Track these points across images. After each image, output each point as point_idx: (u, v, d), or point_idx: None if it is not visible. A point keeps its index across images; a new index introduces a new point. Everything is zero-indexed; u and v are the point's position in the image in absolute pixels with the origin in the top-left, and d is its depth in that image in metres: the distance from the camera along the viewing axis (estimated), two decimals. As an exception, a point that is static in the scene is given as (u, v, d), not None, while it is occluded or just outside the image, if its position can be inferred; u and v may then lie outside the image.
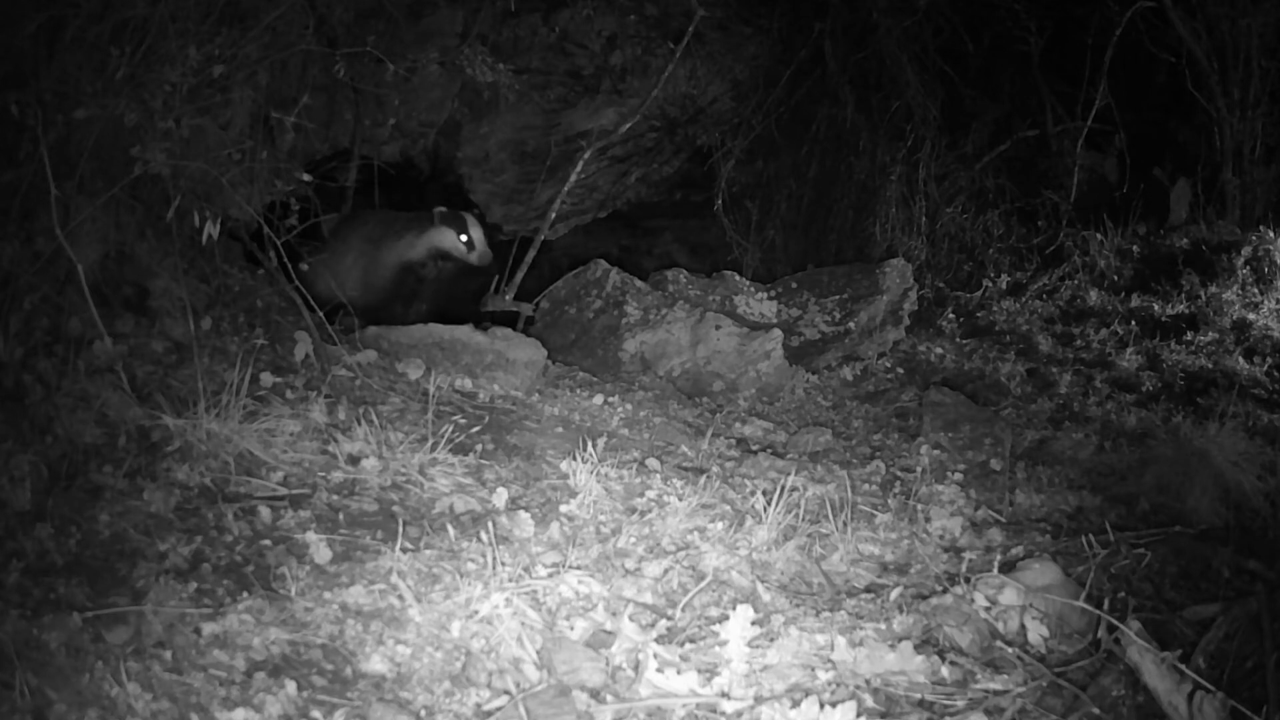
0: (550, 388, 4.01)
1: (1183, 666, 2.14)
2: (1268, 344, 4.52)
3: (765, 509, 2.86)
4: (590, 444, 3.21)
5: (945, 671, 2.20)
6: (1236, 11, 5.38)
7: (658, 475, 3.19)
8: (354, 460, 2.90)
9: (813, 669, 2.18)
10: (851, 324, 4.78)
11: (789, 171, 6.00)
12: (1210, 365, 4.39)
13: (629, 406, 3.91)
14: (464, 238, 4.55)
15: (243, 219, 3.57)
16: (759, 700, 2.05)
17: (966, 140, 5.85)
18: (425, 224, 4.59)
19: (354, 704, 1.94)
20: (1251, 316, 4.75)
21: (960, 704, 2.10)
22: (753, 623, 2.22)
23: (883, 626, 2.39)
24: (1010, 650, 2.30)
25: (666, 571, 2.57)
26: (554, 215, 5.16)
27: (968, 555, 2.77)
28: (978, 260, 5.77)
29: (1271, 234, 5.10)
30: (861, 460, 3.61)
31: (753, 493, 3.07)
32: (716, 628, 2.27)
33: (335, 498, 2.71)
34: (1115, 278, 5.38)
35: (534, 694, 2.02)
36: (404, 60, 4.24)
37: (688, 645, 2.25)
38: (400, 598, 2.28)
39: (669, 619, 2.37)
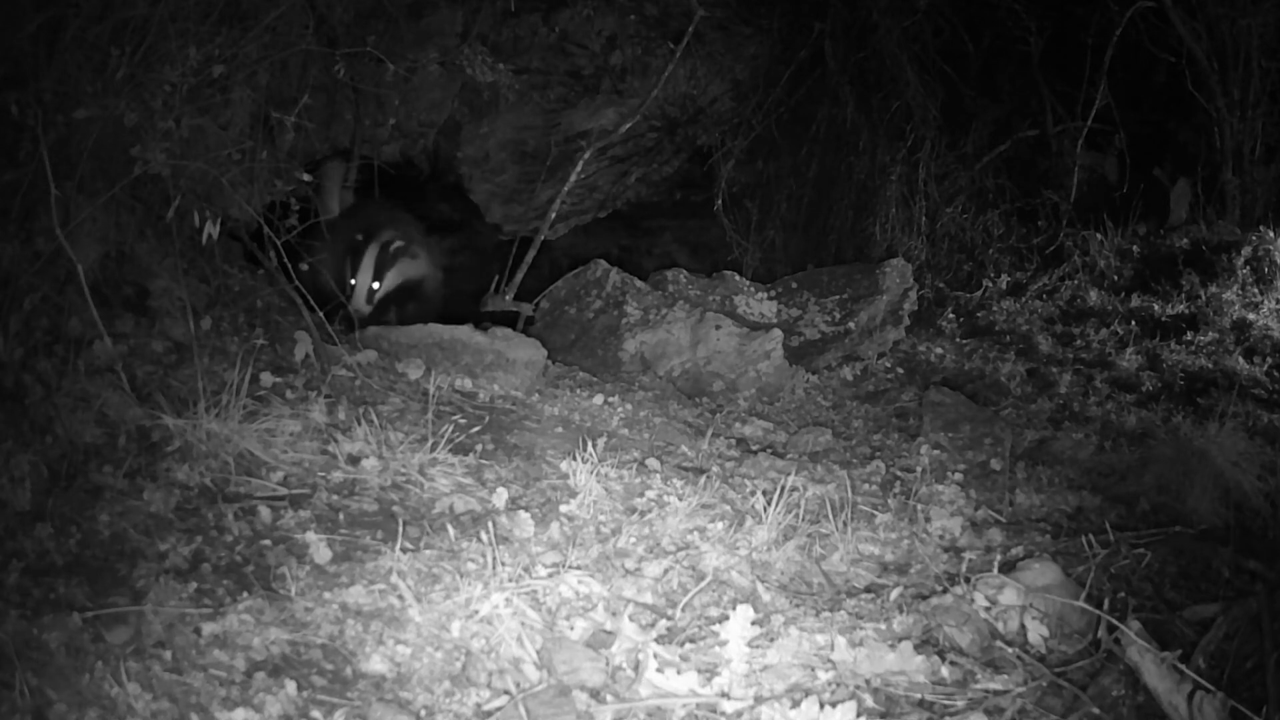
0: (550, 388, 4.00)
1: (1183, 666, 2.14)
2: (1268, 344, 4.51)
3: (765, 509, 2.86)
4: (590, 444, 3.21)
5: (945, 671, 2.20)
6: (1236, 11, 5.37)
7: (658, 475, 3.18)
8: (354, 460, 2.90)
9: (813, 669, 2.18)
10: (851, 324, 4.78)
11: (789, 171, 6.00)
12: (1210, 365, 4.39)
13: (629, 406, 3.91)
14: (351, 281, 4.43)
15: (243, 219, 3.57)
16: (759, 700, 2.05)
17: (966, 140, 5.84)
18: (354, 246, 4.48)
19: (354, 704, 1.94)
20: (1251, 316, 4.74)
21: (960, 704, 2.10)
22: (753, 623, 2.22)
23: (883, 626, 2.39)
24: (1010, 650, 2.30)
25: (666, 571, 2.57)
26: (554, 215, 5.15)
27: (968, 555, 2.77)
28: (978, 260, 5.76)
29: (1271, 234, 5.09)
30: (861, 460, 3.60)
31: (753, 493, 3.07)
32: (716, 628, 2.27)
33: (335, 498, 2.71)
34: (1115, 278, 5.37)
35: (534, 694, 2.02)
36: (404, 60, 4.24)
37: (688, 645, 2.25)
38: (400, 598, 2.28)
39: (669, 619, 2.37)
